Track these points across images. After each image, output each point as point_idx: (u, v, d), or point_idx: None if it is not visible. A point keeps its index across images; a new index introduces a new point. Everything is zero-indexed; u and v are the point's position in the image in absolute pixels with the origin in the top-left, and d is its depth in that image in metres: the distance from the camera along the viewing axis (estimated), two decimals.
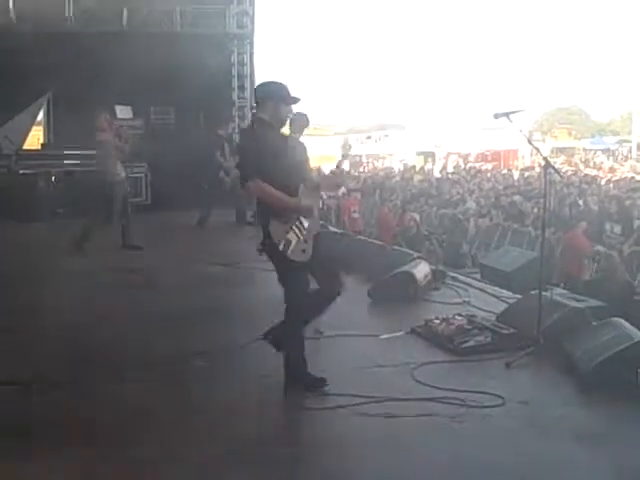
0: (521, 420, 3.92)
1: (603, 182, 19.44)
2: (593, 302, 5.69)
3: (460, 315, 5.54)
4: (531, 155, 37.74)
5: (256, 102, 4.39)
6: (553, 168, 5.33)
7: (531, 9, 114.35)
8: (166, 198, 12.35)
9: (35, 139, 13.73)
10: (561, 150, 43.69)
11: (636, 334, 4.46)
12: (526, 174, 22.97)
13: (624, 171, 25.81)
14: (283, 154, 4.27)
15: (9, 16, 12.15)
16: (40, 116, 13.66)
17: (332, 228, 10.55)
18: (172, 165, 12.47)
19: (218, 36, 13.78)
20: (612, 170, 27.45)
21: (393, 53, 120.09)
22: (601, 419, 3.94)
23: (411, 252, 7.87)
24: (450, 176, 22.99)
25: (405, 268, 6.75)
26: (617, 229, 11.58)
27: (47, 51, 11.33)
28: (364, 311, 6.29)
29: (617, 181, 19.51)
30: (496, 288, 7.10)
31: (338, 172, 4.92)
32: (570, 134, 49.33)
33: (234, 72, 14.32)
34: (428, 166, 32.62)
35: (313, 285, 4.40)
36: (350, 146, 4.73)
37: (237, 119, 14.11)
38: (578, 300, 5.60)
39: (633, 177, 20.88)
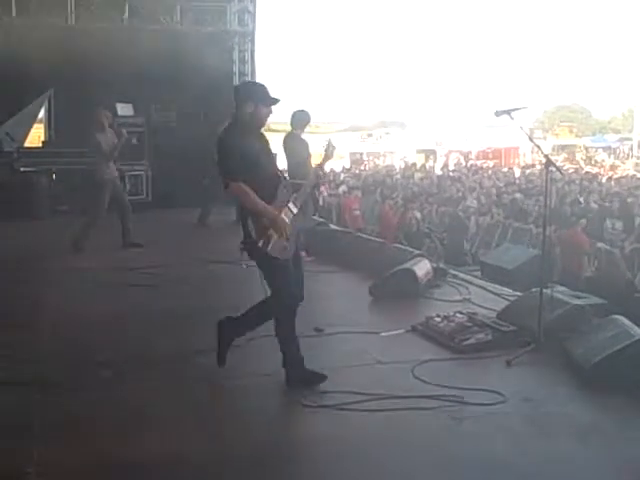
0: (522, 417, 3.92)
1: (604, 180, 19.43)
2: (594, 299, 5.67)
3: (461, 313, 5.52)
4: (532, 153, 37.83)
5: (236, 103, 4.32)
6: (554, 166, 5.31)
7: (533, 7, 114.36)
8: (167, 196, 12.38)
9: (36, 137, 13.70)
10: (562, 148, 43.73)
11: (637, 332, 4.45)
12: (527, 172, 22.95)
13: (625, 169, 25.80)
14: (263, 155, 4.27)
15: (10, 12, 12.12)
16: (41, 114, 13.62)
17: (333, 226, 10.55)
18: (173, 163, 12.48)
19: (219, 34, 13.76)
20: (613, 168, 27.46)
21: (394, 51, 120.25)
22: (602, 417, 3.94)
23: (412, 250, 7.87)
24: (451, 174, 22.91)
25: (406, 266, 6.74)
26: (618, 225, 11.59)
27: (49, 48, 11.31)
28: (365, 308, 6.28)
29: (618, 179, 19.50)
30: (497, 286, 7.08)
31: (322, 174, 4.85)
32: (571, 132, 49.31)
33: (235, 70, 14.29)
34: (429, 164, 32.58)
35: None
36: (334, 147, 4.65)
37: None
38: (579, 297, 5.58)
39: (635, 175, 20.88)
